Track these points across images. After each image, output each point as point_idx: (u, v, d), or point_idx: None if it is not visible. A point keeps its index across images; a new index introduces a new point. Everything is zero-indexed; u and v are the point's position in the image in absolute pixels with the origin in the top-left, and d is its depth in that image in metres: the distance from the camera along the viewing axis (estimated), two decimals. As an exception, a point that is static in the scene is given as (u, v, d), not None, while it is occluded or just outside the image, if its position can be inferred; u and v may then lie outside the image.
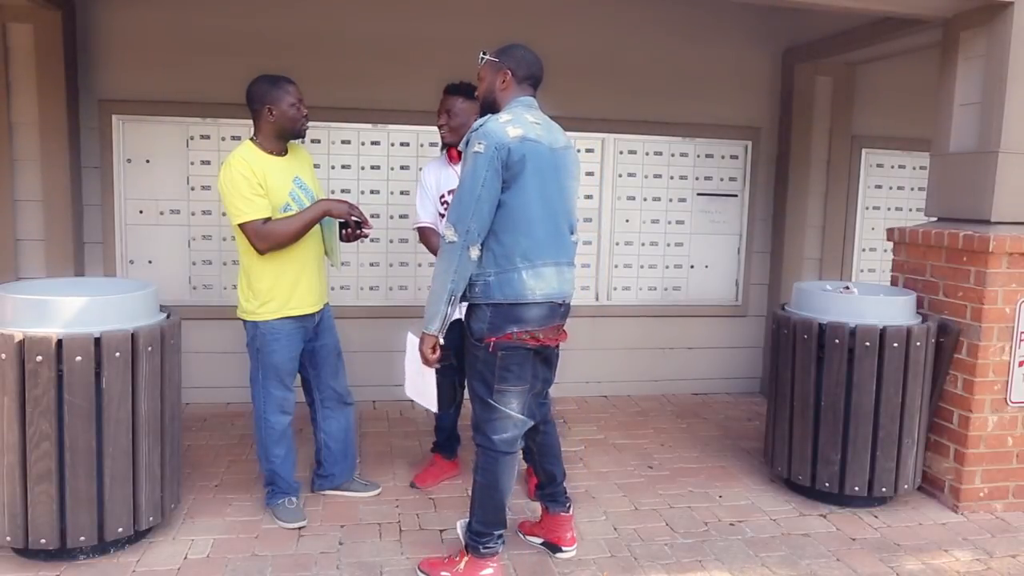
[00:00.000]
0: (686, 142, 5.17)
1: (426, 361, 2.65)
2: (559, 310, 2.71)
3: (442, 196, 3.44)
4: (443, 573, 2.76)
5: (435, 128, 4.73)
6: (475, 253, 2.53)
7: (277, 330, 3.10)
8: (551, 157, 2.62)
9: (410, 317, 4.86)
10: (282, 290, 3.09)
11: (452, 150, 3.46)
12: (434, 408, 2.81)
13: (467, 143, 2.56)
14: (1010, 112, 3.39)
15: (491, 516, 2.73)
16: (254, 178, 2.97)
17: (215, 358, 4.67)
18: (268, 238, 2.98)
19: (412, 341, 2.78)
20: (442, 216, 3.39)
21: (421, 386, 2.79)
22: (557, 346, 2.82)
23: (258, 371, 3.16)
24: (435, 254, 3.33)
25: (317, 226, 3.18)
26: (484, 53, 2.74)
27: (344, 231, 3.21)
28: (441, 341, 2.63)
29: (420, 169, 4.77)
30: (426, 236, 3.48)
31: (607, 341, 5.22)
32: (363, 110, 4.69)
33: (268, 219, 2.99)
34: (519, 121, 2.57)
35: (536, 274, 2.59)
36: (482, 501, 2.72)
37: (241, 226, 2.98)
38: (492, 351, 2.60)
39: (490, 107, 2.71)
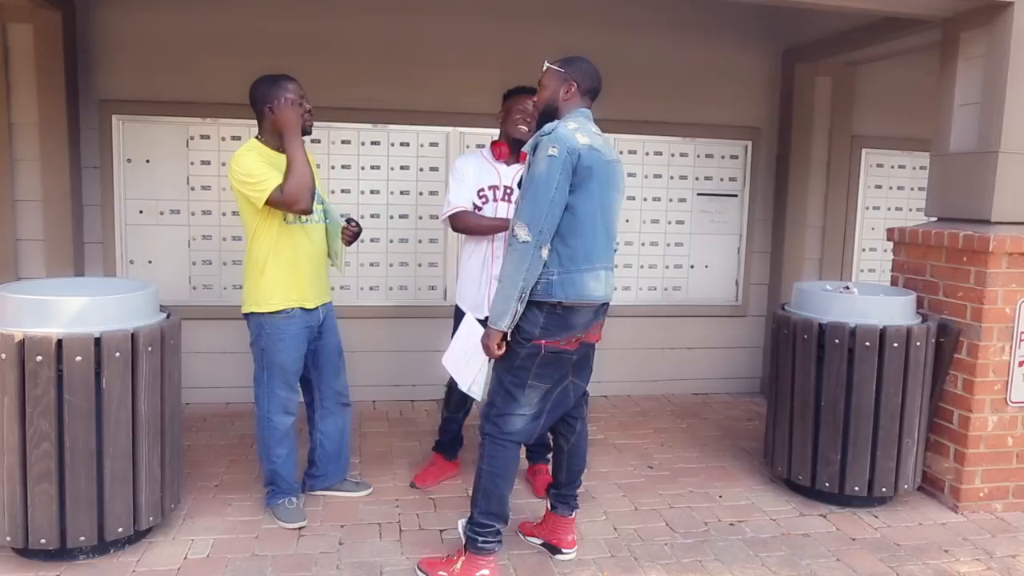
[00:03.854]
0: (686, 142, 5.17)
1: (491, 354, 2.71)
2: (602, 310, 2.81)
3: (480, 190, 3.40)
4: (440, 572, 2.76)
5: (435, 128, 4.80)
6: (545, 253, 2.60)
7: (282, 329, 3.11)
8: (607, 168, 2.71)
9: (410, 317, 4.88)
10: (286, 281, 3.09)
11: (504, 146, 3.42)
12: (465, 387, 2.86)
13: (536, 146, 2.63)
14: (1010, 112, 3.39)
15: (495, 506, 2.75)
16: (263, 160, 3.00)
17: (215, 358, 4.68)
18: (294, 193, 2.94)
19: (469, 322, 2.89)
20: (477, 208, 3.39)
21: (464, 366, 2.86)
22: (593, 345, 2.92)
23: (263, 371, 3.16)
24: (471, 233, 3.39)
25: (322, 226, 3.21)
26: (548, 61, 2.83)
27: (343, 234, 3.27)
28: (509, 337, 2.68)
29: (415, 168, 4.82)
30: (463, 219, 3.38)
31: (607, 341, 5.12)
32: (363, 110, 4.70)
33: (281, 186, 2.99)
34: (585, 130, 2.67)
35: (595, 276, 2.69)
36: (487, 490, 2.75)
37: (269, 202, 2.96)
38: (540, 353, 2.68)
39: (550, 115, 2.78)
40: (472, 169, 3.43)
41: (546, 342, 2.68)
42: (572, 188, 2.61)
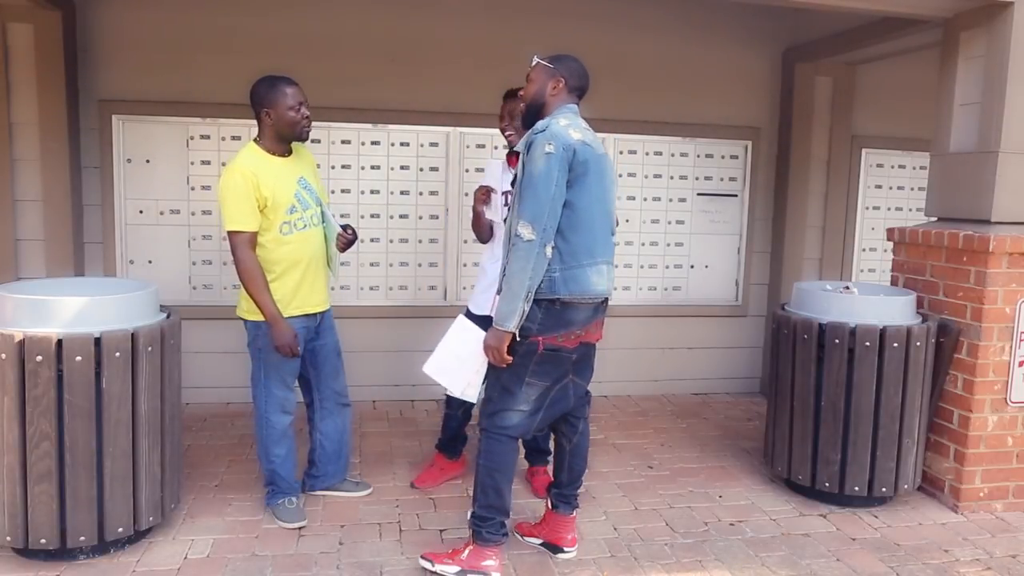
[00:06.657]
0: (686, 142, 5.17)
1: (500, 359, 2.67)
2: (602, 307, 2.81)
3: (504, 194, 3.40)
4: (446, 560, 2.81)
5: (436, 128, 4.80)
6: (550, 251, 2.61)
7: (278, 331, 3.10)
8: (600, 162, 2.73)
9: (410, 317, 4.89)
10: (286, 290, 3.09)
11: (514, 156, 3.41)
12: (458, 392, 2.84)
13: (531, 144, 2.62)
14: (1010, 112, 3.39)
15: (493, 499, 2.78)
16: (253, 189, 2.96)
17: (215, 358, 4.67)
18: (242, 262, 2.99)
19: (463, 324, 2.85)
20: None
21: (455, 369, 2.82)
22: (594, 345, 2.91)
23: (260, 371, 3.16)
24: (482, 240, 3.44)
25: (322, 230, 3.20)
26: (537, 57, 2.83)
27: (337, 240, 3.25)
28: (518, 337, 2.66)
29: (415, 168, 4.82)
30: (482, 223, 3.45)
31: (607, 341, 5.11)
32: (363, 110, 4.70)
33: (255, 233, 3.00)
34: (576, 126, 2.69)
35: (597, 270, 2.71)
36: (484, 484, 2.78)
37: (229, 233, 2.99)
38: (538, 350, 2.68)
39: (536, 110, 2.79)
40: (497, 178, 3.44)
41: (544, 339, 2.68)
42: (569, 184, 2.62)
